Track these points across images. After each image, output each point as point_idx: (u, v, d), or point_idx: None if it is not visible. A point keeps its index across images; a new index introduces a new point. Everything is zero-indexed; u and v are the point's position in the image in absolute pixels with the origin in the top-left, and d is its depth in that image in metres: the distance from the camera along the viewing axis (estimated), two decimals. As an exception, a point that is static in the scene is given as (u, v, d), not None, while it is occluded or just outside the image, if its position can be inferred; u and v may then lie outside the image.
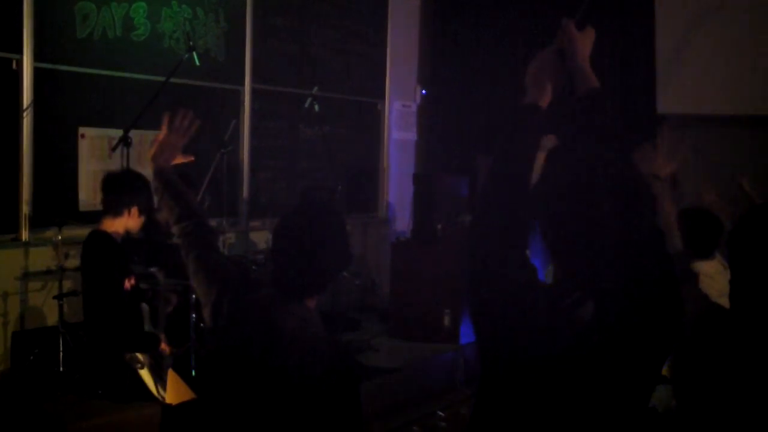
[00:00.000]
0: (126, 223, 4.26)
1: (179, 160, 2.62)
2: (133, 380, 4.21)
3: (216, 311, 2.27)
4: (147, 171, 5.40)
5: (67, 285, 5.19)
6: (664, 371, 4.00)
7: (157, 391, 4.24)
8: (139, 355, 4.21)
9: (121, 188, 4.27)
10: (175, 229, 2.48)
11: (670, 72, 7.79)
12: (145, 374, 4.21)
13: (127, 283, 4.26)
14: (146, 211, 4.28)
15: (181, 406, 3.89)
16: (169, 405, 3.90)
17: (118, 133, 5.45)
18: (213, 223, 2.56)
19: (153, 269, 4.71)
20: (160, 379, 4.26)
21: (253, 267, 6.00)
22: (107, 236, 4.22)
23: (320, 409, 2.13)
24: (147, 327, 4.47)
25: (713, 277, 3.94)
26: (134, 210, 4.22)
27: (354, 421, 2.17)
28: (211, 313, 2.29)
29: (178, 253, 5.44)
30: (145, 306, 4.46)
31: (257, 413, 2.18)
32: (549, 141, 5.88)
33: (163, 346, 4.35)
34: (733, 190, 5.28)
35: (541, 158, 5.87)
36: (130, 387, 4.21)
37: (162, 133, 2.60)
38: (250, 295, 2.27)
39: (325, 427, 2.14)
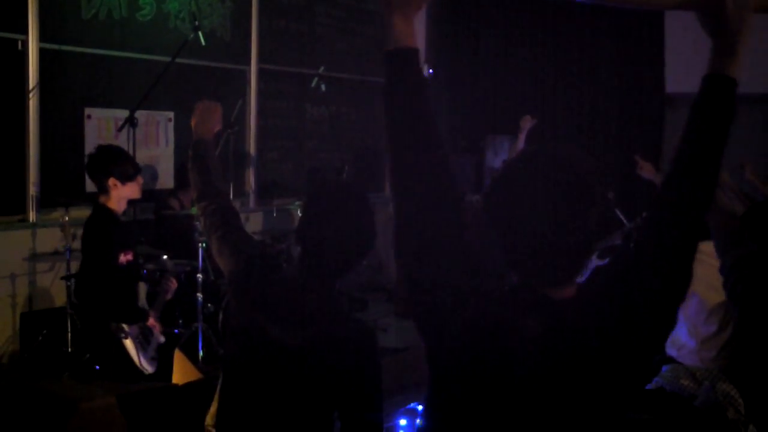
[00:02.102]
0: (118, 195, 4.30)
1: (218, 127, 2.63)
2: (117, 350, 4.26)
3: (240, 288, 2.28)
4: (154, 152, 5.45)
5: (75, 266, 5.19)
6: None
7: (140, 362, 4.28)
8: (125, 326, 4.26)
9: (91, 167, 4.35)
10: (197, 207, 2.49)
11: (678, 52, 7.73)
12: (128, 344, 4.26)
13: (123, 258, 4.30)
14: (128, 176, 4.30)
15: (189, 385, 3.90)
16: (176, 385, 3.91)
17: (124, 113, 5.45)
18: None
19: (162, 254, 4.75)
20: (143, 350, 4.31)
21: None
22: (104, 209, 4.27)
23: (343, 387, 2.15)
24: (141, 304, 4.53)
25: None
26: (113, 180, 4.26)
27: (376, 399, 2.18)
28: (235, 290, 2.30)
29: (186, 235, 5.44)
30: (142, 284, 4.50)
31: (280, 391, 2.19)
32: (526, 122, 5.83)
33: (152, 321, 4.39)
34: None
35: (521, 139, 5.76)
36: (115, 356, 4.25)
37: (201, 103, 2.61)
38: (274, 274, 2.28)
39: (348, 403, 2.17)
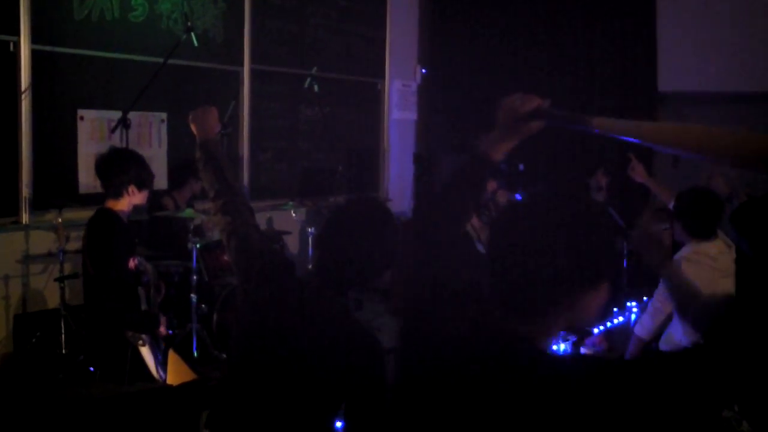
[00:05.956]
0: (130, 201, 4.21)
1: (218, 127, 2.73)
2: (134, 358, 4.21)
3: (252, 288, 2.30)
4: (147, 152, 5.43)
5: (68, 267, 5.19)
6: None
7: (156, 371, 4.24)
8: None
9: (111, 171, 4.19)
10: (212, 205, 2.55)
11: (670, 50, 7.76)
12: (145, 352, 4.20)
13: (132, 263, 4.24)
14: (145, 184, 4.22)
15: (183, 386, 3.90)
16: (170, 386, 3.90)
17: (117, 114, 5.45)
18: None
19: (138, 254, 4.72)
20: (158, 358, 4.26)
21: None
22: (113, 214, 4.17)
23: (350, 387, 2.19)
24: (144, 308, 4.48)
25: (716, 258, 3.91)
26: (132, 188, 4.16)
27: (381, 398, 2.20)
28: (245, 290, 2.33)
29: (180, 236, 5.36)
30: (141, 289, 4.44)
31: (286, 389, 2.21)
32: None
33: (162, 329, 4.33)
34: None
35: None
36: (131, 365, 4.20)
37: (196, 110, 2.71)
38: (287, 277, 2.30)
39: (354, 404, 2.22)
